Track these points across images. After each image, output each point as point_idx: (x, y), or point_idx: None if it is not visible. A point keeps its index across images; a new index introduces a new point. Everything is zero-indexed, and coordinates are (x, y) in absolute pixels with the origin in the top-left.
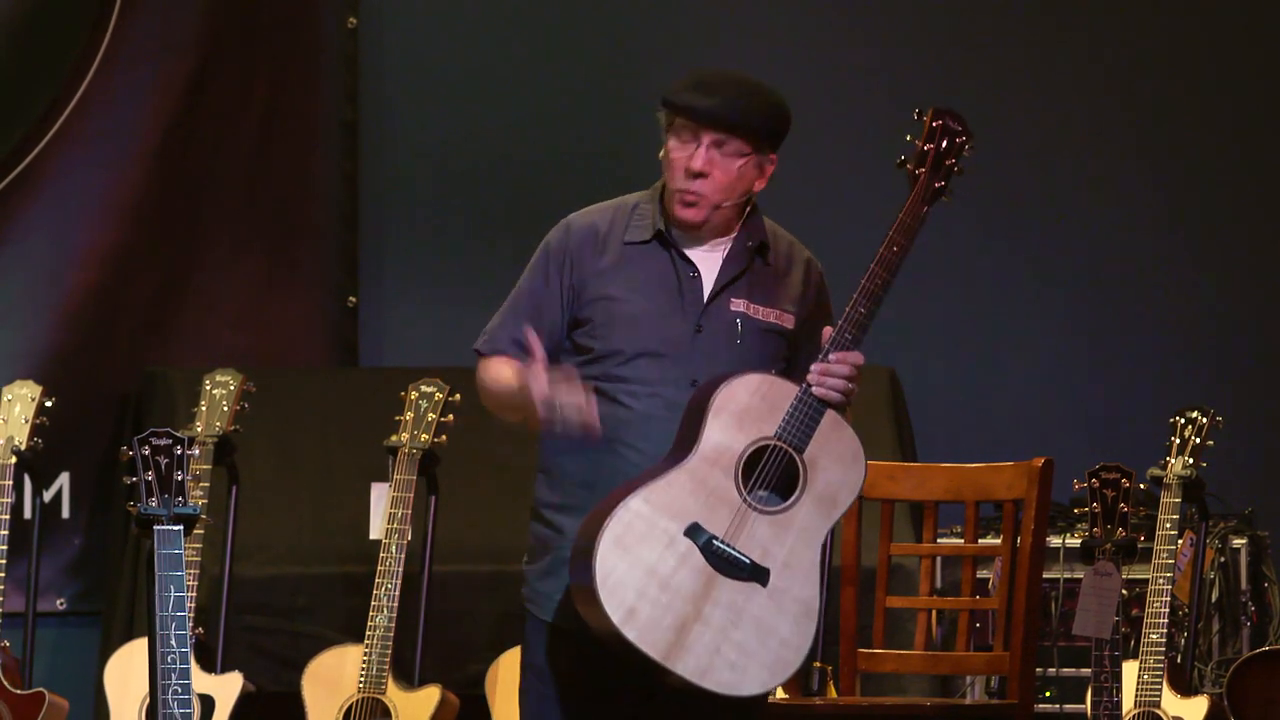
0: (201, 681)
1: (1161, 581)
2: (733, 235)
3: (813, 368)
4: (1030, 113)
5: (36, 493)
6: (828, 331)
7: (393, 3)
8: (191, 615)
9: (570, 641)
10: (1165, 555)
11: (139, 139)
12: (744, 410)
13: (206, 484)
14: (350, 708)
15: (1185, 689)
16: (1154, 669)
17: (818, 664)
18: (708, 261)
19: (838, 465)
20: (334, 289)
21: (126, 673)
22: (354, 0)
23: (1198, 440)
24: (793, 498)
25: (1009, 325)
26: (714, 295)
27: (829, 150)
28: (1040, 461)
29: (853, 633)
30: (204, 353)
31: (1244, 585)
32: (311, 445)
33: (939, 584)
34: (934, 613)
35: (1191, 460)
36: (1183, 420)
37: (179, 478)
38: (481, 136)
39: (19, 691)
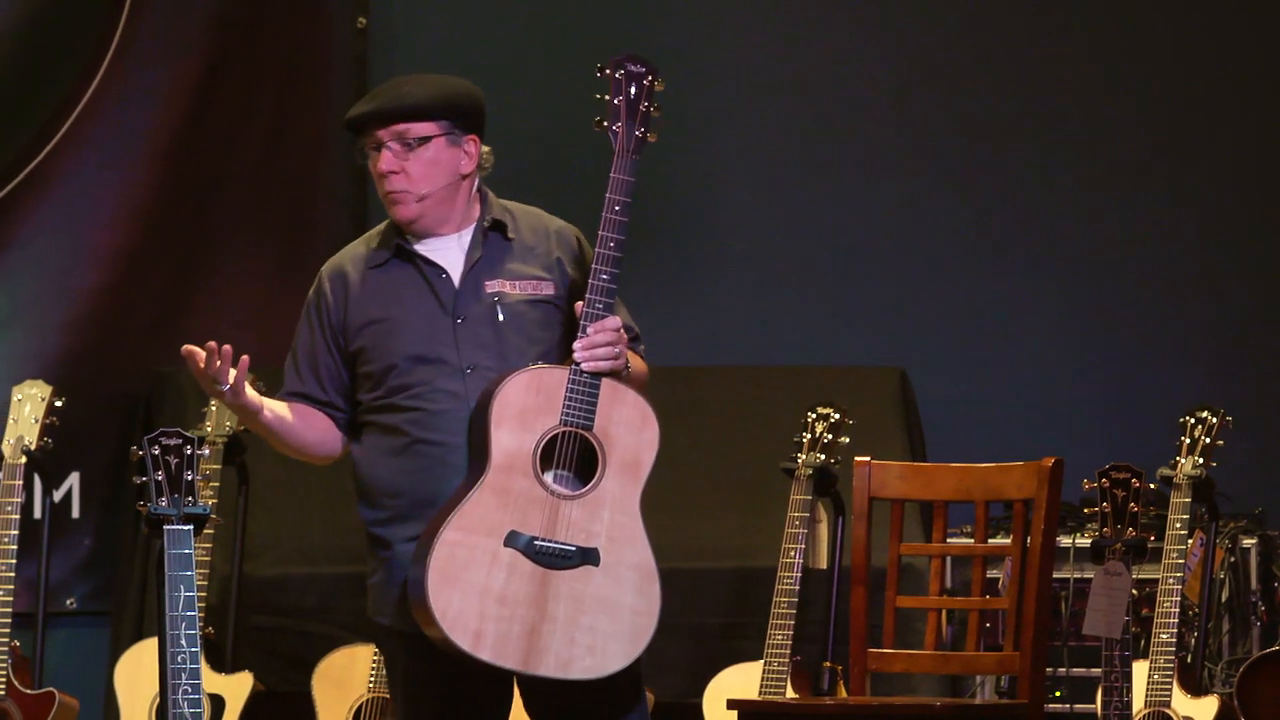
0: (211, 681)
1: (1171, 581)
2: (472, 226)
3: (575, 346)
4: (1034, 114)
5: (46, 493)
6: (579, 306)
7: (402, 3)
8: (201, 615)
9: (424, 644)
10: (1175, 555)
11: (148, 140)
12: (523, 410)
13: (216, 484)
14: (360, 707)
15: (1195, 689)
16: (1164, 669)
17: (828, 664)
18: (453, 257)
19: (629, 431)
20: None
21: (136, 673)
22: (364, 1)
23: (1207, 440)
24: (596, 475)
25: (1019, 326)
26: (463, 283)
27: (836, 149)
28: (1050, 461)
29: (863, 632)
30: None
31: (1254, 585)
32: None
33: (949, 584)
34: (944, 612)
35: (1201, 460)
36: (1192, 420)
37: (189, 478)
38: (489, 138)
39: (29, 691)
